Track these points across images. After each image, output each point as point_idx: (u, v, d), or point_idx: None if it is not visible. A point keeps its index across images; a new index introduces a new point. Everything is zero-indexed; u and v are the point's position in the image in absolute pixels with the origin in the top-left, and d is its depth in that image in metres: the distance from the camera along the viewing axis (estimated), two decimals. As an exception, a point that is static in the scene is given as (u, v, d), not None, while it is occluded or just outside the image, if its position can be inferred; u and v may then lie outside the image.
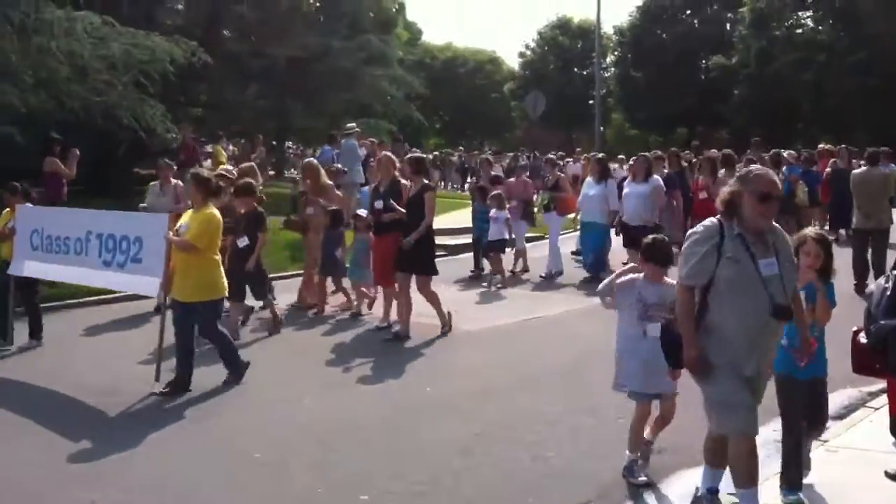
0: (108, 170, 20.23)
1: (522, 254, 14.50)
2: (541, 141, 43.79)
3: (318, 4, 31.84)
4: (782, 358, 5.06)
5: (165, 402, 7.47)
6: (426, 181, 10.38)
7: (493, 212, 13.51)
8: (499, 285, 13.21)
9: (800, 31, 47.13)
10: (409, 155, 13.00)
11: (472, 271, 14.19)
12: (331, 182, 11.86)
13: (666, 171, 14.47)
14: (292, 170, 35.90)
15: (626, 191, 12.88)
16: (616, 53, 59.86)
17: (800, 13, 47.64)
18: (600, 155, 15.24)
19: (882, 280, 5.49)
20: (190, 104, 26.75)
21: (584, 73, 60.39)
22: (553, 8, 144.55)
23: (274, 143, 31.33)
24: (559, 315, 11.21)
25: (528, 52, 65.38)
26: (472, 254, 14.75)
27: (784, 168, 17.65)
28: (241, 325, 10.20)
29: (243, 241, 9.69)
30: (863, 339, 5.36)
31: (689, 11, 55.65)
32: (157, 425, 6.86)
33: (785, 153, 18.91)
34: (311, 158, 12.54)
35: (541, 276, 13.86)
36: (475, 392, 7.69)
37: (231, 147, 28.29)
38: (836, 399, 6.88)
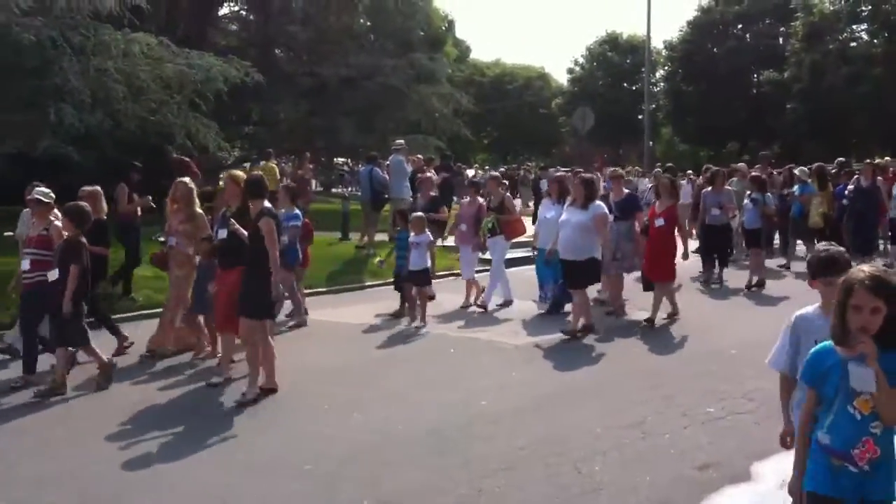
0: (161, 188, 20.70)
1: (476, 284, 13.07)
2: (589, 156, 43.61)
3: (368, 24, 32.29)
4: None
5: (217, 412, 7.62)
6: (265, 205, 8.28)
7: (412, 237, 11.74)
8: (420, 324, 11.48)
9: (854, 44, 46.39)
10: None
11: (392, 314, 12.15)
12: (201, 212, 9.87)
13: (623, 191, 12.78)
14: (340, 187, 36.58)
15: (562, 217, 11.06)
16: (666, 68, 59.49)
17: (854, 26, 46.91)
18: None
19: None
20: (242, 122, 27.24)
21: (633, 88, 60.26)
22: (602, 24, 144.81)
23: (323, 159, 31.71)
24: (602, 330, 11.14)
25: (577, 68, 65.34)
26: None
27: (796, 186, 16.59)
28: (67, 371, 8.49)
29: (54, 275, 8.30)
30: None
31: (740, 26, 55.19)
32: (209, 437, 7.00)
33: (797, 170, 17.47)
34: (186, 178, 10.01)
35: (477, 305, 12.58)
36: (522, 406, 7.70)
37: (286, 164, 28.64)
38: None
